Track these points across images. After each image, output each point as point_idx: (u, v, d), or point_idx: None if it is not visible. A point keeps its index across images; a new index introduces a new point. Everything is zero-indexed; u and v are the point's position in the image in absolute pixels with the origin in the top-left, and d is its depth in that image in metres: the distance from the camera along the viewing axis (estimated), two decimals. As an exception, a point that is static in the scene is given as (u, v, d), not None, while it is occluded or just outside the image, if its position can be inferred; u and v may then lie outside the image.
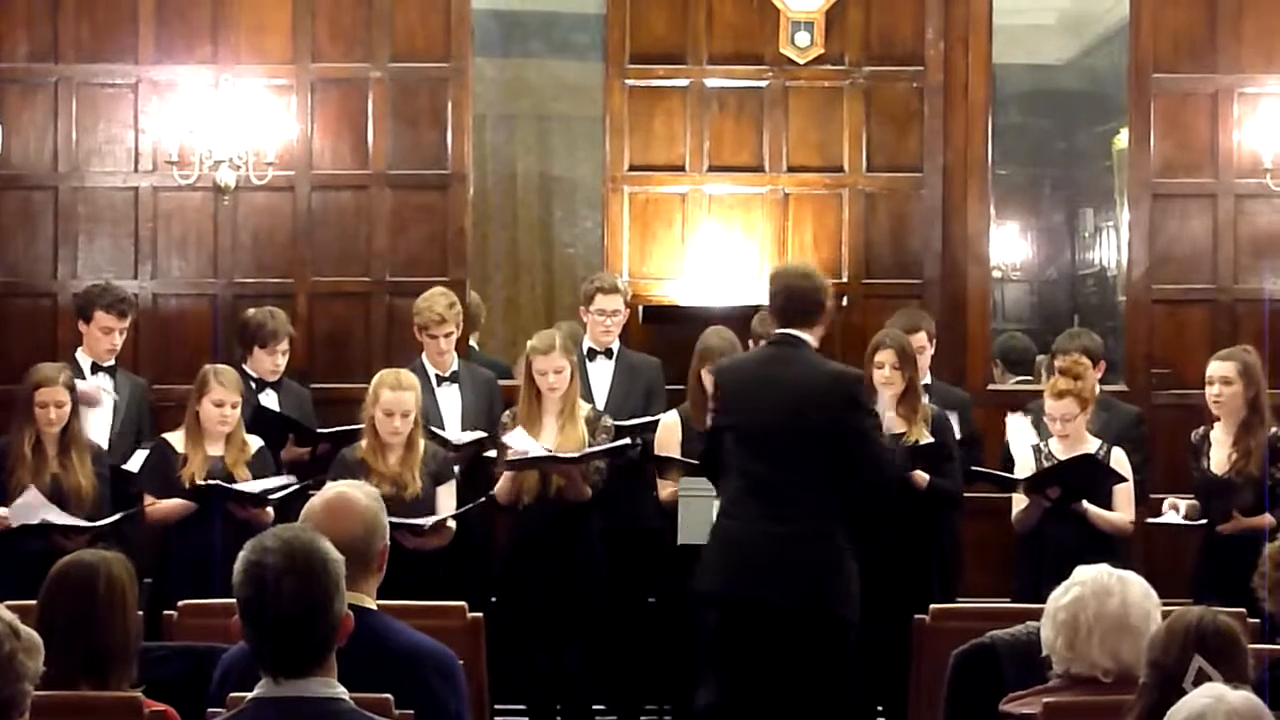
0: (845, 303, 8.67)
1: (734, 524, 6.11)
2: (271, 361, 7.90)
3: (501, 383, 8.14)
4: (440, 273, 8.76)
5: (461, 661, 4.20)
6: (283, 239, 8.91)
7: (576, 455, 7.16)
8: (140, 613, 4.44)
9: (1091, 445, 7.22)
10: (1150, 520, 7.53)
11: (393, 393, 7.09)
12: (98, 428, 7.60)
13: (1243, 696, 3.20)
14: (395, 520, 6.33)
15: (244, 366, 7.82)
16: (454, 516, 7.15)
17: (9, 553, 6.88)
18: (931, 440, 7.14)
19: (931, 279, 9.01)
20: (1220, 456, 7.31)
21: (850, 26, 9.04)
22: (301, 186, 8.90)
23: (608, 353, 8.04)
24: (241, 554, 3.36)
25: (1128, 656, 4.08)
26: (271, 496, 7.10)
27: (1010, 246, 11.75)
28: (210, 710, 3.96)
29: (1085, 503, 7.08)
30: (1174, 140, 9.04)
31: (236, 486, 7.08)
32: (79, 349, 7.87)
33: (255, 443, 7.31)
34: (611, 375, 8.01)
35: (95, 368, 7.81)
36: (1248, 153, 8.94)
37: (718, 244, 8.99)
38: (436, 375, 7.87)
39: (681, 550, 6.95)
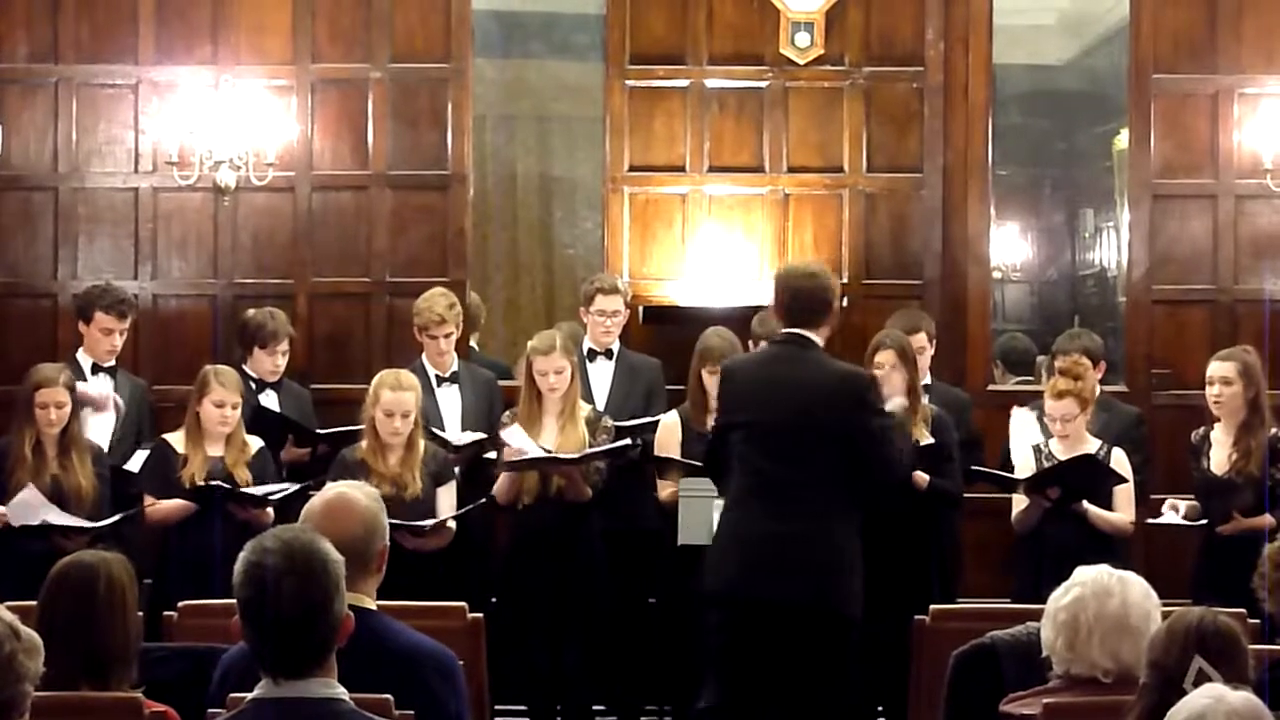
0: (845, 303, 8.65)
1: (740, 522, 6.10)
2: (271, 362, 7.90)
3: (502, 383, 8.14)
4: (440, 273, 8.76)
5: (461, 662, 4.20)
6: (283, 240, 8.91)
7: (576, 456, 7.16)
8: (140, 613, 4.44)
9: (1091, 446, 7.22)
10: (1150, 521, 7.53)
11: (393, 393, 7.10)
12: (100, 429, 7.59)
13: (1243, 697, 3.20)
14: (395, 521, 6.36)
15: (244, 367, 7.82)
16: (454, 517, 7.15)
17: (9, 553, 6.88)
18: (931, 441, 7.14)
19: (932, 279, 9.01)
20: (1220, 457, 7.31)
21: (850, 27, 9.04)
22: (301, 187, 8.90)
23: (608, 353, 8.04)
24: (241, 555, 3.36)
25: (1128, 657, 4.08)
26: (271, 497, 7.10)
27: (1010, 247, 11.75)
28: (210, 711, 3.96)
29: (1085, 503, 7.08)
30: (1174, 141, 9.04)
31: (249, 491, 7.08)
32: (79, 350, 7.87)
33: (255, 443, 7.31)
34: (611, 376, 8.01)
35: (95, 368, 7.81)
36: (1248, 153, 8.94)
37: (718, 244, 8.99)
38: (436, 376, 7.87)
39: (682, 550, 6.95)
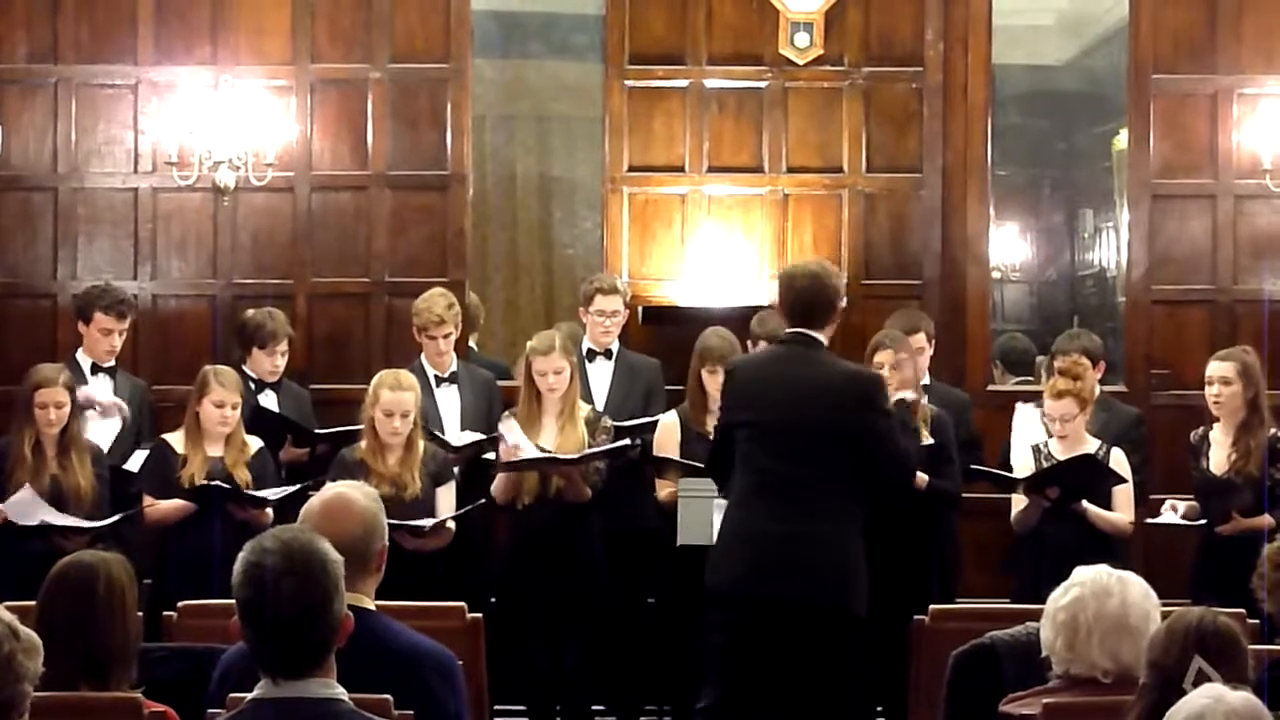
0: (844, 303, 8.66)
1: (745, 521, 6.09)
2: (270, 362, 7.90)
3: (501, 384, 8.14)
4: (440, 274, 8.76)
5: (461, 662, 4.20)
6: (282, 240, 8.92)
7: (576, 456, 7.16)
8: (140, 613, 4.44)
9: (1091, 446, 7.22)
10: (1149, 520, 7.53)
11: (392, 393, 7.10)
12: (103, 433, 7.59)
13: (1242, 697, 3.20)
14: (395, 522, 6.35)
15: (243, 367, 7.82)
16: (454, 518, 7.15)
17: (9, 553, 6.88)
18: (931, 441, 7.14)
19: (931, 280, 9.02)
20: (1219, 457, 7.31)
21: (849, 27, 9.04)
22: (301, 187, 8.90)
23: (607, 353, 8.04)
24: (241, 555, 3.36)
25: (1127, 657, 4.08)
26: (271, 498, 7.10)
27: (1010, 247, 11.75)
28: (209, 711, 3.96)
29: (1085, 502, 7.08)
30: (1173, 141, 9.04)
31: (259, 494, 7.08)
32: (79, 350, 7.87)
33: (255, 443, 7.31)
34: (611, 376, 8.01)
35: (95, 368, 7.80)
36: (1247, 153, 8.94)
37: (717, 245, 8.99)
38: (435, 376, 7.87)
39: (681, 551, 6.95)
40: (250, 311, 8.14)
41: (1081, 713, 4.07)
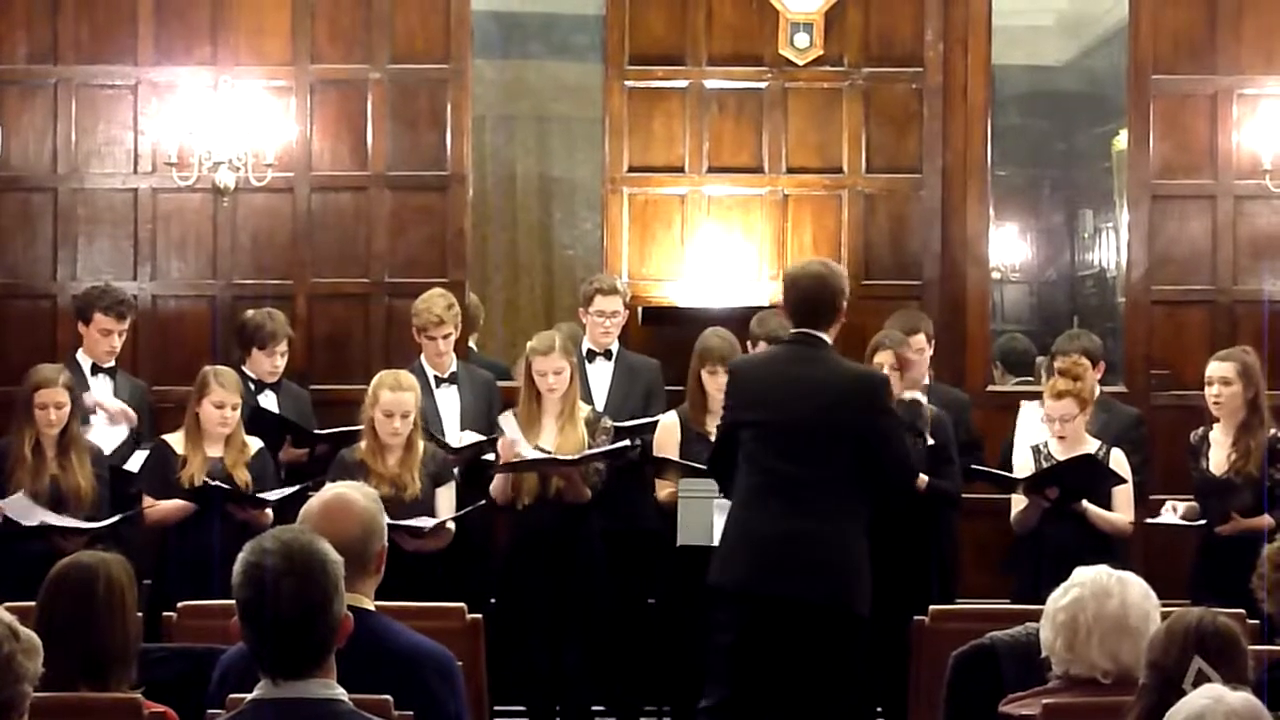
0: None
1: (750, 521, 6.09)
2: (270, 363, 7.90)
3: (501, 384, 8.14)
4: (439, 274, 8.76)
5: (461, 662, 4.20)
6: (282, 240, 8.91)
7: (575, 457, 7.16)
8: (139, 614, 4.44)
9: (1090, 446, 7.22)
10: (1149, 520, 7.53)
11: (392, 394, 7.10)
12: (109, 437, 7.59)
13: (1242, 698, 3.20)
14: (395, 522, 6.36)
15: (243, 368, 7.82)
16: (454, 519, 7.15)
17: (8, 554, 6.87)
18: (931, 442, 7.14)
19: (931, 280, 9.02)
20: (1219, 457, 7.31)
21: (849, 28, 9.04)
22: (301, 188, 8.90)
23: (607, 354, 8.04)
24: (240, 555, 3.36)
25: (1127, 658, 4.08)
26: (270, 498, 7.10)
27: (1009, 248, 11.75)
28: (209, 711, 3.96)
29: (1085, 502, 7.08)
30: (1173, 141, 9.04)
31: (266, 496, 7.08)
32: (79, 350, 7.87)
33: (255, 444, 7.31)
34: (611, 376, 8.01)
35: (95, 369, 7.80)
36: (1247, 154, 8.94)
37: (717, 245, 8.99)
38: (435, 377, 7.87)
39: (681, 551, 6.95)
40: (250, 312, 8.14)
41: (1081, 713, 4.07)
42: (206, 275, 8.90)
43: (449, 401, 7.87)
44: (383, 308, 8.88)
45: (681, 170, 9.06)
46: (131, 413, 7.71)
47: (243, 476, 7.17)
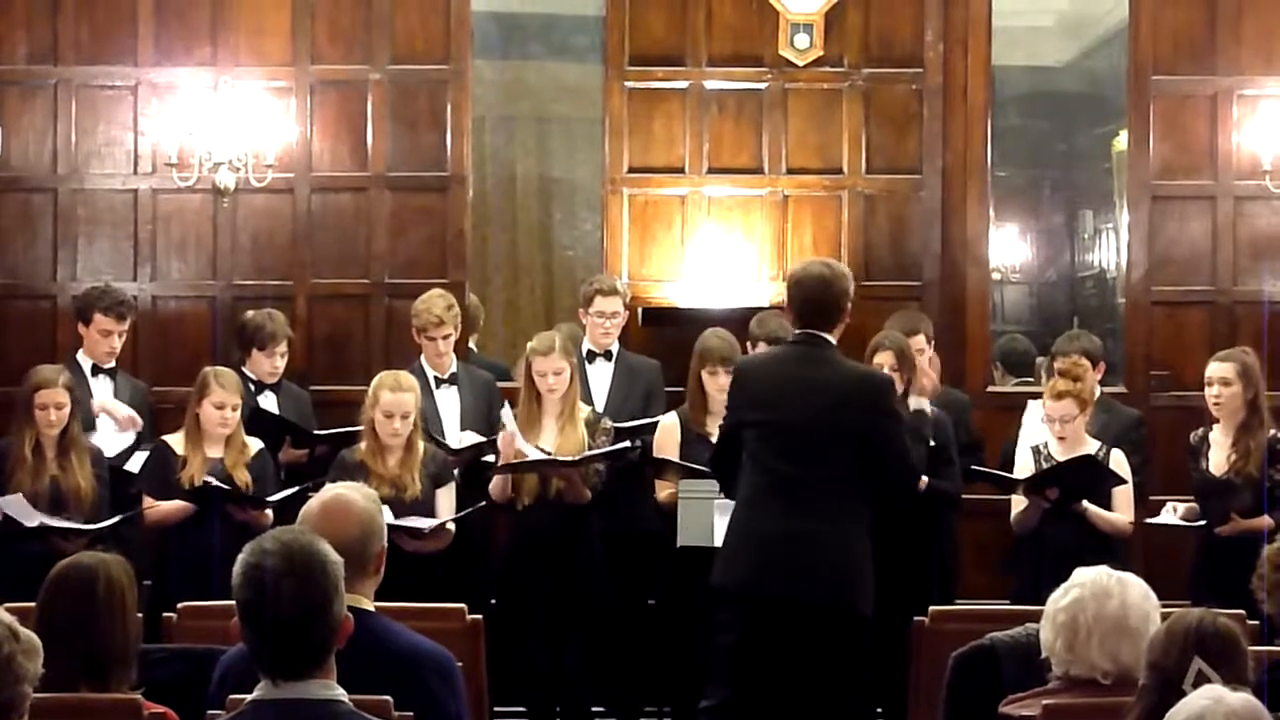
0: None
1: (753, 520, 6.08)
2: (270, 364, 7.90)
3: (501, 385, 8.13)
4: (439, 275, 8.76)
5: (460, 663, 4.20)
6: (282, 241, 8.92)
7: (575, 459, 7.16)
8: (139, 615, 4.45)
9: (1090, 446, 7.23)
10: (1149, 520, 7.53)
11: (392, 394, 7.10)
12: (114, 441, 7.59)
13: (1242, 699, 3.20)
14: (395, 523, 6.36)
15: (243, 369, 7.82)
16: (454, 520, 7.15)
17: (8, 554, 6.87)
18: (931, 442, 7.14)
19: (931, 281, 9.02)
20: (1219, 458, 7.31)
21: (849, 28, 9.04)
22: (301, 189, 8.90)
23: (607, 355, 8.04)
24: (240, 556, 3.36)
25: (1127, 658, 4.08)
26: (270, 499, 7.10)
27: (1010, 248, 11.76)
28: (209, 712, 3.96)
29: (1085, 503, 7.08)
30: (1173, 142, 9.05)
31: (277, 497, 7.08)
32: (79, 351, 7.87)
33: (255, 445, 7.31)
34: (611, 377, 8.01)
35: (95, 370, 7.80)
36: (1247, 155, 8.95)
37: (717, 246, 8.99)
38: (435, 377, 7.87)
39: (682, 552, 6.95)
40: (250, 313, 8.15)
41: (1081, 714, 4.07)
42: (206, 276, 8.90)
43: (449, 402, 7.87)
44: (383, 308, 8.88)
45: (681, 171, 9.06)
46: (139, 418, 7.70)
47: (243, 477, 7.17)
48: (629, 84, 9.07)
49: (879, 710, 7.18)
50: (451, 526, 7.14)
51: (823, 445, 6.05)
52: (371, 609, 4.03)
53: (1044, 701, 4.13)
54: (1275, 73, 8.99)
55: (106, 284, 8.16)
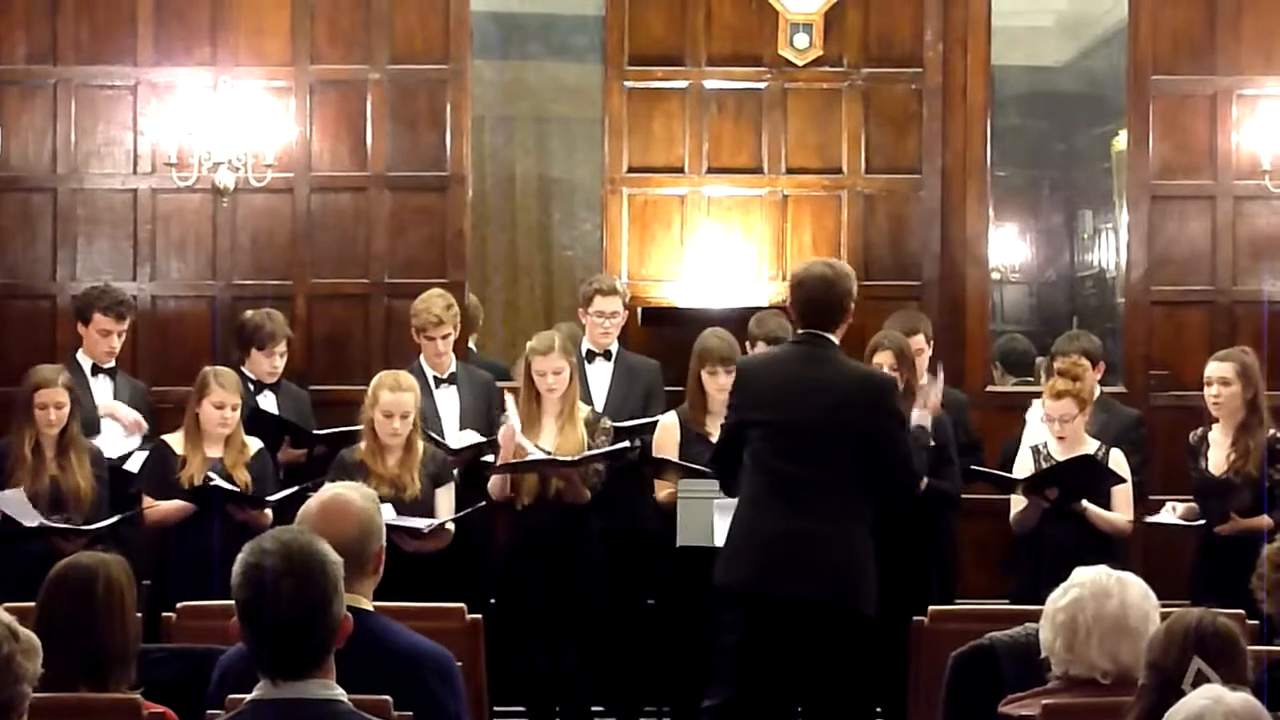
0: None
1: (756, 520, 6.08)
2: (269, 363, 7.90)
3: (500, 384, 8.13)
4: (439, 275, 8.76)
5: (460, 663, 4.20)
6: (281, 241, 8.92)
7: (575, 458, 7.15)
8: (139, 614, 4.45)
9: (1090, 446, 7.23)
10: (1148, 519, 7.53)
11: (392, 394, 7.10)
12: (118, 444, 7.59)
13: (1241, 698, 3.20)
14: (394, 523, 6.36)
15: (242, 368, 7.82)
16: (454, 520, 7.15)
17: (8, 554, 6.87)
18: (931, 442, 7.13)
19: (930, 280, 9.02)
20: (1218, 457, 7.31)
21: (849, 28, 9.04)
22: (300, 188, 8.90)
23: (606, 354, 8.04)
24: (240, 556, 3.36)
25: (1126, 658, 4.08)
26: (270, 498, 7.10)
27: (1009, 248, 11.76)
28: (209, 712, 3.96)
29: (1085, 502, 7.08)
30: (1173, 142, 9.05)
31: (276, 497, 7.08)
32: (78, 351, 7.87)
33: (255, 444, 7.31)
34: (610, 377, 8.01)
35: (95, 369, 7.80)
36: (1246, 154, 8.95)
37: (717, 246, 8.99)
38: (434, 377, 7.87)
39: (681, 551, 6.95)
40: (249, 312, 8.15)
41: (1080, 714, 4.07)
42: (206, 276, 8.90)
43: (448, 402, 7.87)
44: (382, 308, 8.88)
45: (681, 171, 9.06)
46: (144, 422, 7.70)
47: (242, 477, 7.17)
48: (628, 84, 9.07)
49: (878, 710, 7.17)
50: (451, 526, 7.14)
51: (825, 445, 6.04)
52: (371, 609, 4.03)
53: (1043, 701, 4.13)
54: (1275, 72, 8.99)
55: (106, 284, 8.16)
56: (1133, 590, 4.17)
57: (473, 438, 7.63)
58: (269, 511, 7.04)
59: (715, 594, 6.18)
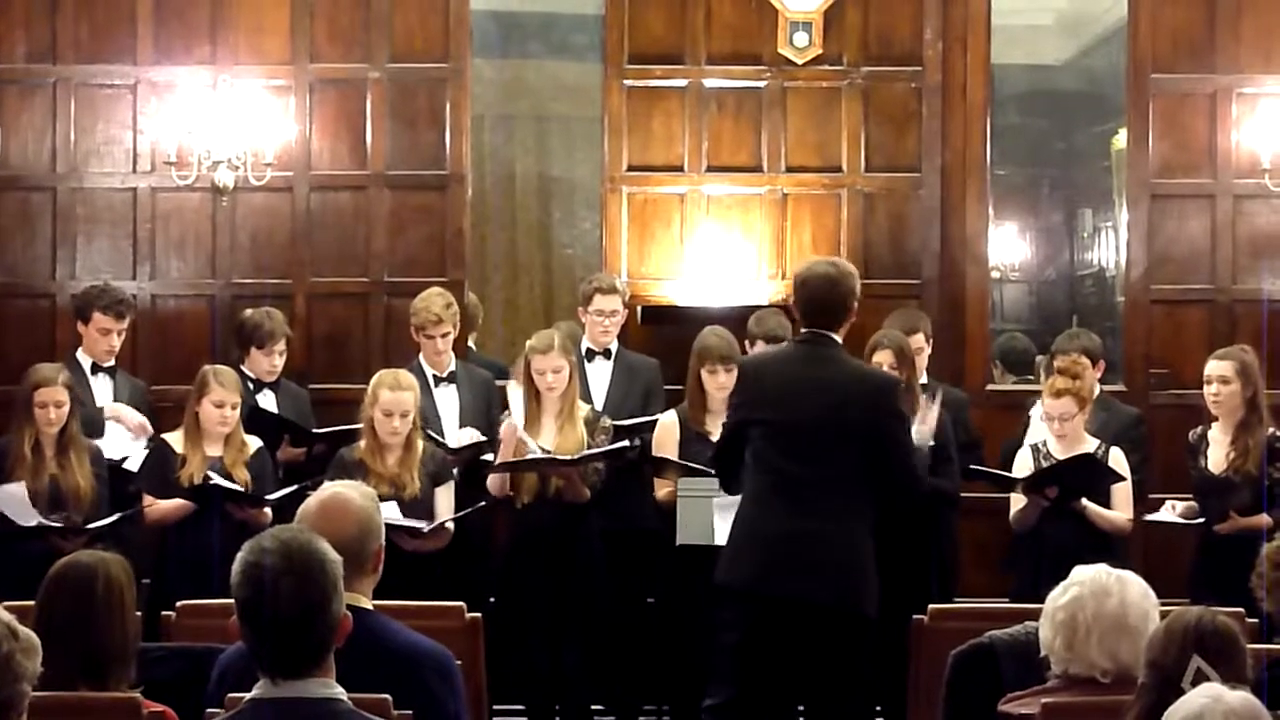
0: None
1: (758, 519, 6.07)
2: (269, 362, 7.90)
3: (500, 383, 8.13)
4: (439, 273, 8.76)
5: (460, 662, 4.20)
6: (281, 240, 8.91)
7: (575, 458, 7.15)
8: (138, 613, 4.45)
9: (1090, 445, 7.23)
10: (1148, 517, 7.53)
11: (391, 393, 7.10)
12: (121, 446, 7.59)
13: (1241, 697, 3.20)
14: (393, 522, 6.36)
15: (241, 367, 7.82)
16: (453, 520, 7.15)
17: (8, 554, 6.87)
18: (930, 441, 7.13)
19: (930, 279, 9.02)
20: (1218, 456, 7.31)
21: (848, 27, 9.04)
22: (300, 187, 8.89)
23: (606, 353, 8.04)
24: (239, 555, 3.36)
25: (1126, 657, 4.08)
26: (270, 497, 7.10)
27: (1009, 247, 11.75)
28: (208, 711, 3.96)
29: (1084, 500, 7.08)
30: (1172, 140, 9.05)
31: (276, 496, 7.08)
32: (78, 350, 7.87)
33: (254, 443, 7.31)
34: (610, 376, 8.01)
35: (95, 369, 7.80)
36: (1246, 153, 8.95)
37: (716, 244, 8.99)
38: (434, 376, 7.87)
39: (681, 550, 6.95)
40: (248, 311, 8.15)
41: (1080, 712, 4.07)
42: (205, 275, 8.90)
43: (448, 401, 7.87)
44: (382, 307, 8.88)
45: (681, 169, 9.06)
46: (149, 425, 7.70)
47: (242, 476, 7.17)
48: (628, 82, 9.07)
49: (878, 709, 7.18)
50: (450, 525, 7.14)
51: (828, 445, 6.03)
52: (370, 607, 4.03)
53: (1043, 700, 4.13)
54: (1274, 71, 8.99)
55: (105, 283, 8.16)
56: (1132, 589, 4.17)
57: (472, 436, 7.62)
58: (268, 510, 7.04)
59: (715, 593, 6.17)
